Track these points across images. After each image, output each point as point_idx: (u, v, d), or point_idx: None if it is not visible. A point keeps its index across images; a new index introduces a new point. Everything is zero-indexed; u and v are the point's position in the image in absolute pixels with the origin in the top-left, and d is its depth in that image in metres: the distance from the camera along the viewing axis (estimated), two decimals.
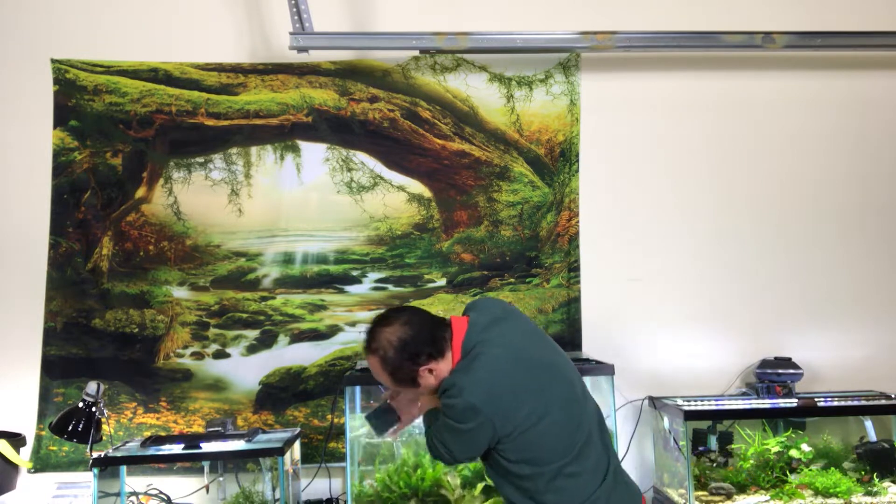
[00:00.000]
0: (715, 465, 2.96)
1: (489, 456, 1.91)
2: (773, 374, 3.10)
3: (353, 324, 3.24)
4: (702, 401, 3.04)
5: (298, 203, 3.27)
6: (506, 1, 3.37)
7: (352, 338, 3.23)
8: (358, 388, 3.02)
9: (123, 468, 2.84)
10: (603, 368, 2.80)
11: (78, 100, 3.24)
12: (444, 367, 1.90)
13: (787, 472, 2.88)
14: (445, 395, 1.85)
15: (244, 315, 3.23)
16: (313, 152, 3.29)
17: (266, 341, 3.22)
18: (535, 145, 3.33)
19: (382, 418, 2.06)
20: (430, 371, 1.89)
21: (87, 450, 2.71)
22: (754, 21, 3.29)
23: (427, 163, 3.30)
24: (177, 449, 2.72)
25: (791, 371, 3.09)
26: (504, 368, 1.85)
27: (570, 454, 1.86)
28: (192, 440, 2.77)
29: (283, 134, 3.28)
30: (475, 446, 1.87)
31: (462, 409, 1.80)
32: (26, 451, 3.10)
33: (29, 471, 3.10)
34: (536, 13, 3.34)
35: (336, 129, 3.29)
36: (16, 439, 3.04)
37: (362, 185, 3.29)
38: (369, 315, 3.24)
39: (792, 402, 2.99)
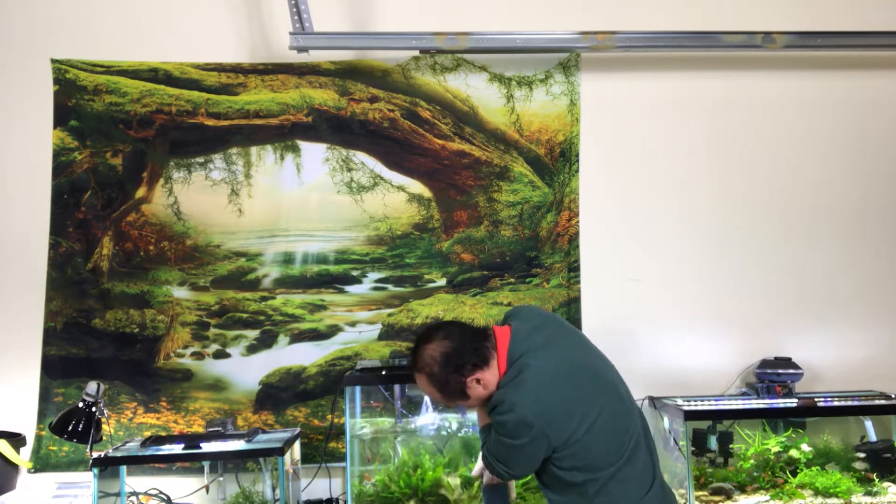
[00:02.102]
0: (712, 463, 2.96)
1: (542, 466, 1.89)
2: (773, 374, 3.10)
3: (353, 324, 3.24)
4: (702, 401, 3.04)
5: (298, 203, 3.27)
6: (506, 1, 3.37)
7: (352, 338, 3.23)
8: (358, 389, 3.03)
9: (123, 468, 2.84)
10: None
11: (78, 100, 3.24)
12: (490, 376, 1.89)
13: (787, 472, 2.89)
14: (495, 411, 1.84)
15: (244, 315, 3.23)
16: (313, 152, 3.29)
17: (266, 341, 3.22)
18: (535, 145, 3.33)
19: (498, 495, 2.08)
20: (478, 381, 1.89)
21: (87, 450, 2.71)
22: (754, 21, 3.29)
23: (427, 163, 3.31)
24: (177, 449, 2.72)
25: (791, 371, 3.09)
26: (552, 379, 1.84)
27: (621, 460, 1.85)
28: (192, 440, 2.77)
29: (283, 134, 3.28)
30: (532, 460, 1.86)
31: (514, 425, 1.79)
32: (26, 451, 3.10)
33: (29, 471, 3.10)
34: (536, 13, 3.34)
35: (336, 129, 3.29)
36: (16, 439, 3.04)
37: (362, 185, 3.29)
38: (369, 315, 3.25)
39: (792, 402, 2.99)
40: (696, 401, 3.04)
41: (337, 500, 3.06)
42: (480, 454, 2.13)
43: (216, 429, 2.87)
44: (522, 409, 1.78)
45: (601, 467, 1.84)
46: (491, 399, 1.88)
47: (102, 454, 2.66)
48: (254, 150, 3.28)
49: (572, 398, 1.84)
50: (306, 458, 3.09)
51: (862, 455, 2.95)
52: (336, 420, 3.09)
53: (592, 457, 1.84)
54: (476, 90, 3.32)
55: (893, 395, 3.05)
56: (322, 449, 3.09)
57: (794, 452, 2.91)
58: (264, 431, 2.95)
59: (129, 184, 3.26)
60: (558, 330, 2.00)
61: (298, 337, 3.23)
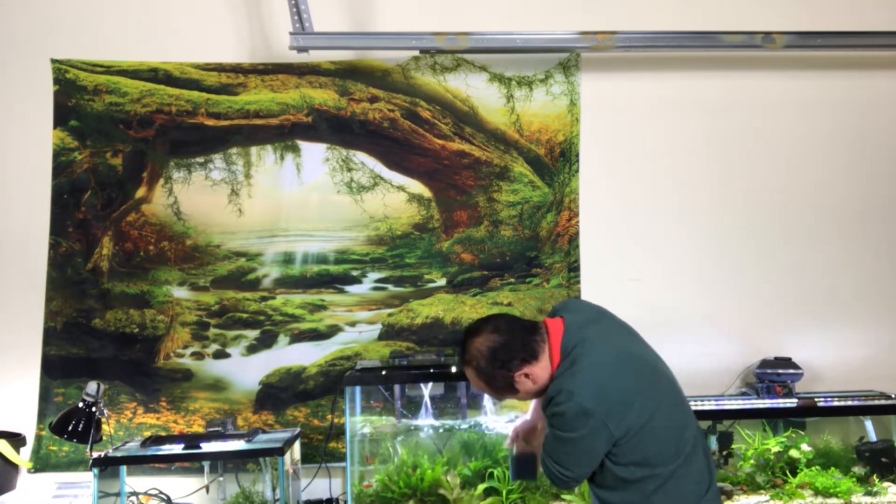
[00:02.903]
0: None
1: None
2: (773, 374, 3.10)
3: (353, 324, 3.24)
4: (702, 401, 3.04)
5: (298, 203, 3.27)
6: (506, 1, 3.37)
7: (352, 338, 3.23)
8: (358, 389, 3.03)
9: (123, 468, 2.84)
10: None
11: (78, 100, 3.24)
12: (539, 370, 1.85)
13: (787, 472, 2.89)
14: (552, 403, 1.78)
15: (244, 315, 3.23)
16: (313, 152, 3.29)
17: (266, 341, 3.22)
18: (535, 145, 3.33)
19: (526, 465, 2.05)
20: (526, 375, 1.85)
21: (87, 450, 2.71)
22: (754, 21, 3.29)
23: (427, 163, 3.31)
24: (177, 449, 2.72)
25: (791, 371, 3.09)
26: (610, 366, 1.80)
27: (680, 457, 1.81)
28: (192, 440, 2.77)
29: (283, 134, 3.28)
30: (592, 456, 1.79)
31: (573, 415, 1.74)
32: (26, 451, 3.10)
33: (29, 471, 3.10)
34: (536, 13, 3.34)
35: (336, 129, 3.29)
36: (16, 439, 3.04)
37: (362, 185, 3.29)
38: (369, 315, 3.25)
39: (792, 402, 2.99)
40: (696, 401, 3.03)
41: (337, 500, 3.07)
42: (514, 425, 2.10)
43: (216, 429, 2.87)
44: (581, 398, 1.73)
45: (661, 463, 1.79)
46: (546, 392, 1.84)
47: (102, 454, 2.66)
48: (254, 150, 3.28)
49: (631, 388, 1.79)
50: (306, 458, 3.09)
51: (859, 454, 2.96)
52: (336, 420, 3.09)
53: (651, 451, 1.79)
54: (476, 90, 3.32)
55: (893, 395, 3.05)
56: (322, 449, 3.09)
57: (794, 452, 2.91)
58: (264, 431, 2.95)
59: (129, 184, 3.26)
60: (612, 323, 1.97)
61: (298, 337, 3.23)
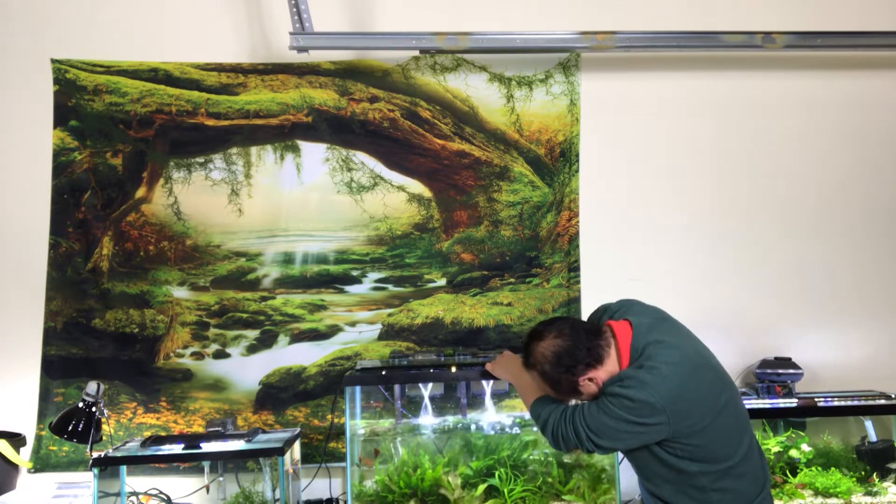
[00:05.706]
0: None
1: (647, 451, 1.88)
2: (773, 374, 3.10)
3: (353, 324, 3.24)
4: None
5: (298, 203, 3.27)
6: (506, 1, 3.37)
7: (352, 338, 3.23)
8: (358, 388, 3.03)
9: (123, 468, 2.84)
10: None
11: (78, 100, 3.24)
12: (604, 374, 1.89)
13: (787, 472, 2.89)
14: (620, 384, 1.82)
15: (244, 315, 3.23)
16: (313, 152, 3.29)
17: (266, 341, 3.22)
18: (535, 145, 3.33)
19: None
20: (590, 379, 1.89)
21: (87, 450, 2.71)
22: (754, 21, 3.30)
23: (427, 163, 3.30)
24: (177, 449, 2.72)
25: (791, 371, 3.09)
26: (683, 370, 1.83)
27: (738, 456, 1.85)
28: (192, 440, 2.77)
29: (283, 134, 3.28)
30: (631, 441, 1.85)
31: (639, 403, 1.77)
32: (26, 451, 3.10)
33: (29, 471, 3.10)
34: (536, 13, 3.34)
35: (336, 129, 3.29)
36: (16, 439, 3.04)
37: (362, 185, 3.29)
38: (369, 315, 3.25)
39: (792, 402, 2.99)
40: None
41: (337, 500, 3.07)
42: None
43: (216, 429, 2.87)
44: (655, 392, 1.77)
45: (718, 460, 1.84)
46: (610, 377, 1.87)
47: (102, 454, 2.65)
48: (254, 150, 3.28)
49: (700, 394, 1.83)
50: (306, 458, 3.09)
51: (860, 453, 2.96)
52: (336, 420, 3.09)
53: (710, 448, 1.83)
54: (476, 90, 3.32)
55: (893, 395, 3.05)
56: (322, 449, 3.09)
57: (794, 452, 2.91)
58: (264, 431, 2.95)
59: (129, 184, 3.26)
60: (675, 325, 2.01)
61: (298, 337, 3.23)
